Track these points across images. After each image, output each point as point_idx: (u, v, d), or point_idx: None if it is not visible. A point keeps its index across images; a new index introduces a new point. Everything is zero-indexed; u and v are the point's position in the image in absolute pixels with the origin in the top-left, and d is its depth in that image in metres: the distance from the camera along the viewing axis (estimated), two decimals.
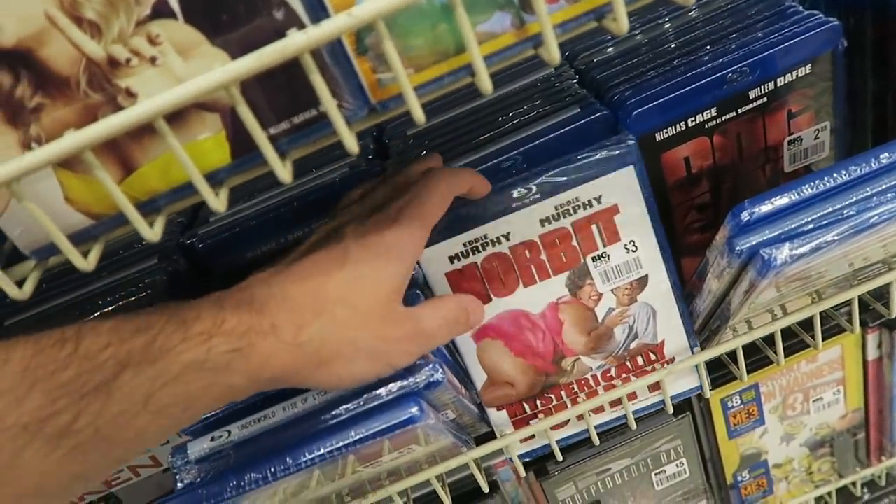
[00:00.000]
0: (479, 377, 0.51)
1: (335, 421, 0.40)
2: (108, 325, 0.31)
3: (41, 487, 0.28)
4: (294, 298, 0.36)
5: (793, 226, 0.39)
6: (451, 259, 0.47)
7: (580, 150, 0.48)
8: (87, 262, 0.30)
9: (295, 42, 0.26)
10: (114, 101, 0.29)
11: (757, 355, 0.67)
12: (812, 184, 0.40)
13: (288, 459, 0.37)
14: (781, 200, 0.40)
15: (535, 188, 0.45)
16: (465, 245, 0.46)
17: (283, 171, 0.30)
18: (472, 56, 0.29)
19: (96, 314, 0.54)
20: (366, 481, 0.52)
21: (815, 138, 0.54)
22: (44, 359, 0.28)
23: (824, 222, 0.38)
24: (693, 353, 0.52)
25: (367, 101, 0.31)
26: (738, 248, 0.39)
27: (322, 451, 0.37)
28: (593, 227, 0.47)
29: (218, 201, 0.30)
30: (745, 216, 0.40)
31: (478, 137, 0.55)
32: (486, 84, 0.30)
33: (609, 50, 0.61)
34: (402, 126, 0.62)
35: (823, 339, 0.57)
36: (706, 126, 0.52)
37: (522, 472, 0.58)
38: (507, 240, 0.46)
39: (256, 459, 0.39)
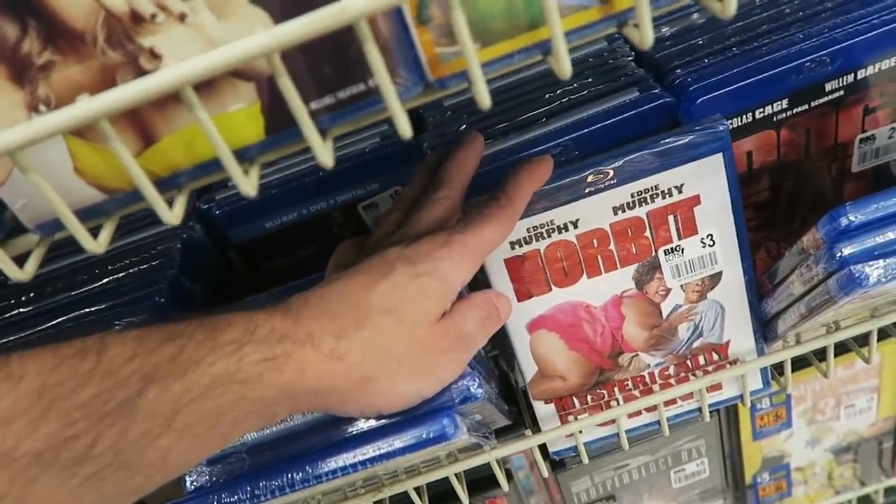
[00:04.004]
0: (530, 369, 0.48)
1: (357, 431, 0.37)
2: (133, 334, 0.28)
3: None
4: (334, 307, 0.33)
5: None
6: (513, 245, 0.43)
7: (637, 137, 0.44)
8: (96, 244, 0.27)
9: (356, 5, 0.22)
10: (135, 62, 0.25)
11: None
12: None
13: (308, 469, 0.34)
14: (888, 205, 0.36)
15: (612, 172, 0.41)
16: (528, 230, 0.43)
17: (325, 153, 0.26)
18: (552, 32, 0.25)
19: (105, 280, 0.51)
20: (381, 476, 0.50)
21: (890, 137, 0.50)
22: (63, 374, 0.25)
23: None
24: (759, 355, 0.49)
25: (423, 77, 0.27)
26: (838, 254, 0.35)
27: (344, 463, 0.34)
28: (670, 217, 0.43)
29: (248, 182, 0.26)
30: (843, 221, 0.36)
31: (522, 115, 0.51)
32: (564, 66, 0.26)
33: (664, 29, 0.56)
34: (440, 98, 0.57)
35: (862, 346, 0.53)
36: (774, 119, 0.47)
37: (545, 473, 0.56)
38: (575, 227, 0.43)
39: (273, 467, 0.35)
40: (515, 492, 0.73)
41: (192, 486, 0.35)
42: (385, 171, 0.55)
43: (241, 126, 0.27)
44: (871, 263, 0.34)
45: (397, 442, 0.34)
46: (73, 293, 0.49)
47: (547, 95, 0.52)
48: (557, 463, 0.72)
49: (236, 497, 0.34)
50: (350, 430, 0.36)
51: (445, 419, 0.34)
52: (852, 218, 0.36)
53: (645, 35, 0.25)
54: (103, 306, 0.47)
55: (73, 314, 0.47)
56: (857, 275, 0.34)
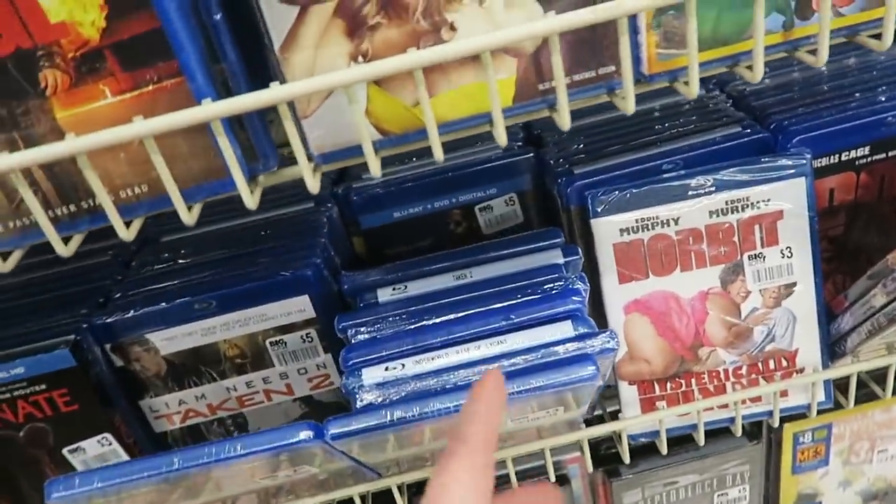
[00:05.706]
0: (620, 349, 0.55)
1: (512, 368, 0.43)
2: None
3: None
4: None
5: None
6: (622, 231, 0.51)
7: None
8: (377, 169, 0.34)
9: (624, 7, 0.30)
10: (437, 31, 0.33)
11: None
12: None
13: (456, 394, 0.40)
14: None
15: (712, 181, 0.49)
16: (637, 221, 0.50)
17: (566, 119, 0.34)
18: (755, 44, 0.33)
19: (264, 242, 0.58)
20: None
21: None
22: None
23: None
24: (823, 367, 0.56)
25: (640, 71, 0.35)
26: None
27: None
28: (756, 226, 0.50)
29: (502, 137, 0.34)
30: None
31: (638, 140, 0.59)
32: (758, 71, 0.33)
33: (766, 81, 0.65)
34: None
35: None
36: (856, 162, 0.56)
37: (627, 459, 0.61)
38: (676, 224, 0.50)
39: (436, 392, 0.42)
40: (570, 498, 0.78)
41: (363, 403, 0.41)
42: (503, 179, 0.63)
43: (499, 92, 0.35)
44: None
45: (549, 380, 0.40)
46: (240, 250, 0.57)
47: (657, 126, 0.60)
48: (612, 472, 0.77)
49: (406, 412, 0.40)
50: (505, 368, 0.42)
51: (590, 363, 0.40)
52: None
53: (821, 55, 0.33)
54: (268, 259, 0.54)
55: (238, 265, 0.54)
56: None
